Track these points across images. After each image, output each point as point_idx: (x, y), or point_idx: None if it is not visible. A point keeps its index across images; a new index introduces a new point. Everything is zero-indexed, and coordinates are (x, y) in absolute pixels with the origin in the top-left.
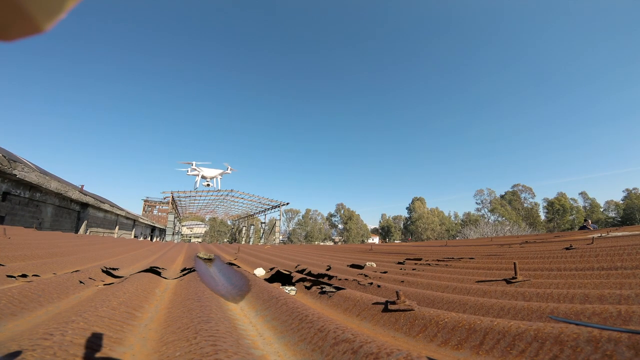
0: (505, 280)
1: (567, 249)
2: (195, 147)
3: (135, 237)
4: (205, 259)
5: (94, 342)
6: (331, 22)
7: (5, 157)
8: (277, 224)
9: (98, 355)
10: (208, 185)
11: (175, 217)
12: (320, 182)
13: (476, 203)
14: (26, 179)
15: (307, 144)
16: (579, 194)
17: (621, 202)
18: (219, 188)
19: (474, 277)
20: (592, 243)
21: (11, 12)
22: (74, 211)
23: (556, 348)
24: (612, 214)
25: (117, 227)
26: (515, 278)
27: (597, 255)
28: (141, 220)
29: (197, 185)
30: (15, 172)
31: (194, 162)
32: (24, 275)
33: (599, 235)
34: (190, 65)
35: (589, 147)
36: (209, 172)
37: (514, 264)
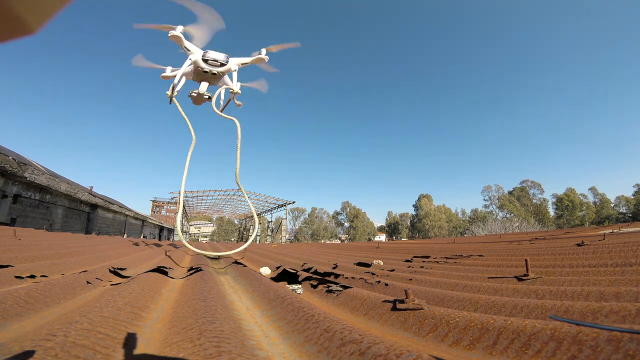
0: (516, 277)
1: (578, 245)
2: (200, 145)
3: (144, 237)
4: (212, 257)
5: (97, 344)
6: (340, 18)
7: (15, 160)
8: (284, 222)
9: (100, 357)
10: (208, 97)
11: (183, 217)
12: (326, 181)
13: (484, 200)
14: (36, 182)
15: (311, 142)
16: (589, 189)
17: (632, 197)
18: (237, 91)
19: (484, 275)
20: (603, 239)
21: (0, 14)
22: (84, 212)
23: (574, 348)
24: (623, 210)
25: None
26: (527, 275)
27: (610, 252)
28: (150, 221)
29: (177, 89)
30: (25, 174)
31: (168, 68)
32: (32, 276)
33: (611, 231)
34: None
35: (599, 141)
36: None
37: (526, 260)
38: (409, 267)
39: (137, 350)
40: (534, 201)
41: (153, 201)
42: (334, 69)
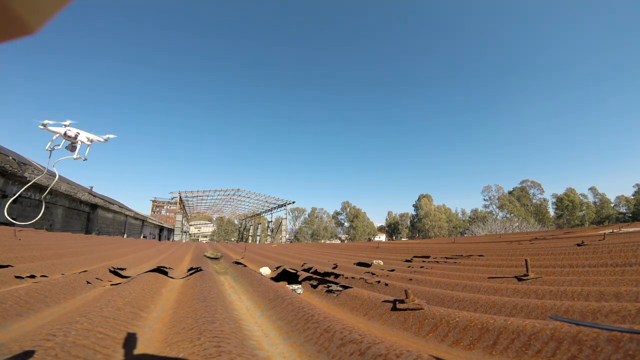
0: (516, 277)
1: (578, 245)
2: (200, 145)
3: (144, 237)
4: (212, 258)
5: (97, 344)
6: (341, 17)
7: (15, 160)
8: (284, 222)
9: (99, 357)
10: (72, 146)
11: (183, 217)
12: (326, 181)
13: (484, 199)
14: (36, 182)
15: (311, 142)
16: (589, 189)
17: (632, 197)
18: (85, 156)
19: (484, 275)
20: (603, 239)
21: (0, 14)
22: (84, 212)
23: (574, 348)
24: (623, 210)
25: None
26: (527, 275)
27: (610, 252)
28: (150, 221)
29: (49, 147)
30: (25, 174)
31: (46, 121)
32: (32, 276)
33: (611, 231)
34: (193, 61)
35: (599, 141)
36: (74, 131)
37: (526, 260)
38: (409, 267)
39: (137, 350)
40: (534, 201)
41: (153, 201)
42: (335, 69)
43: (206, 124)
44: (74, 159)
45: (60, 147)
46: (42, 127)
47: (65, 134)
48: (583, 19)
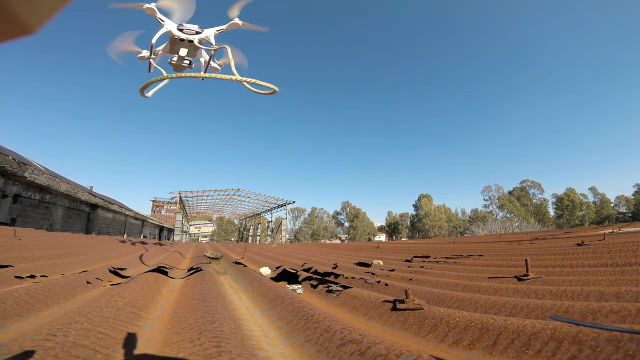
0: (516, 277)
1: (578, 245)
2: (200, 145)
3: (144, 237)
4: (212, 258)
5: (97, 344)
6: (340, 16)
7: (15, 160)
8: (284, 222)
9: (99, 357)
10: (189, 62)
11: (183, 217)
12: (326, 181)
13: (484, 199)
14: (36, 182)
15: (311, 142)
16: (589, 189)
17: (632, 197)
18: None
19: (484, 275)
20: (603, 239)
21: (0, 14)
22: (84, 212)
23: (574, 348)
24: (623, 210)
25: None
26: (527, 275)
27: (610, 252)
28: (150, 221)
29: (155, 45)
30: (25, 174)
31: (145, 51)
32: (32, 276)
33: (611, 231)
34: None
35: (599, 141)
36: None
37: (526, 260)
38: (409, 267)
39: (137, 350)
40: (534, 201)
41: (153, 201)
42: (335, 68)
43: (206, 124)
44: (212, 49)
45: (157, 58)
46: (147, 9)
47: (180, 26)
48: (582, 18)
